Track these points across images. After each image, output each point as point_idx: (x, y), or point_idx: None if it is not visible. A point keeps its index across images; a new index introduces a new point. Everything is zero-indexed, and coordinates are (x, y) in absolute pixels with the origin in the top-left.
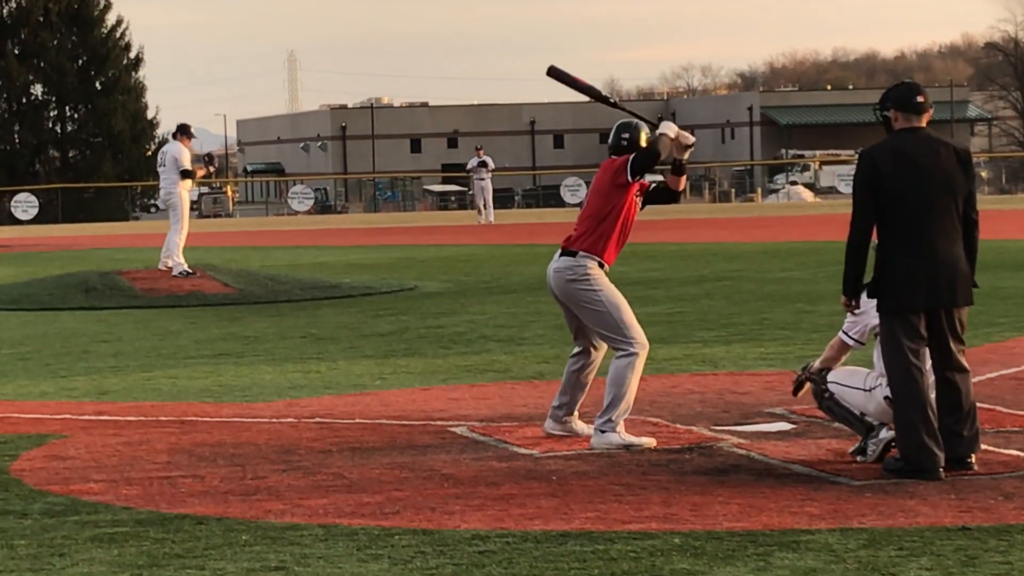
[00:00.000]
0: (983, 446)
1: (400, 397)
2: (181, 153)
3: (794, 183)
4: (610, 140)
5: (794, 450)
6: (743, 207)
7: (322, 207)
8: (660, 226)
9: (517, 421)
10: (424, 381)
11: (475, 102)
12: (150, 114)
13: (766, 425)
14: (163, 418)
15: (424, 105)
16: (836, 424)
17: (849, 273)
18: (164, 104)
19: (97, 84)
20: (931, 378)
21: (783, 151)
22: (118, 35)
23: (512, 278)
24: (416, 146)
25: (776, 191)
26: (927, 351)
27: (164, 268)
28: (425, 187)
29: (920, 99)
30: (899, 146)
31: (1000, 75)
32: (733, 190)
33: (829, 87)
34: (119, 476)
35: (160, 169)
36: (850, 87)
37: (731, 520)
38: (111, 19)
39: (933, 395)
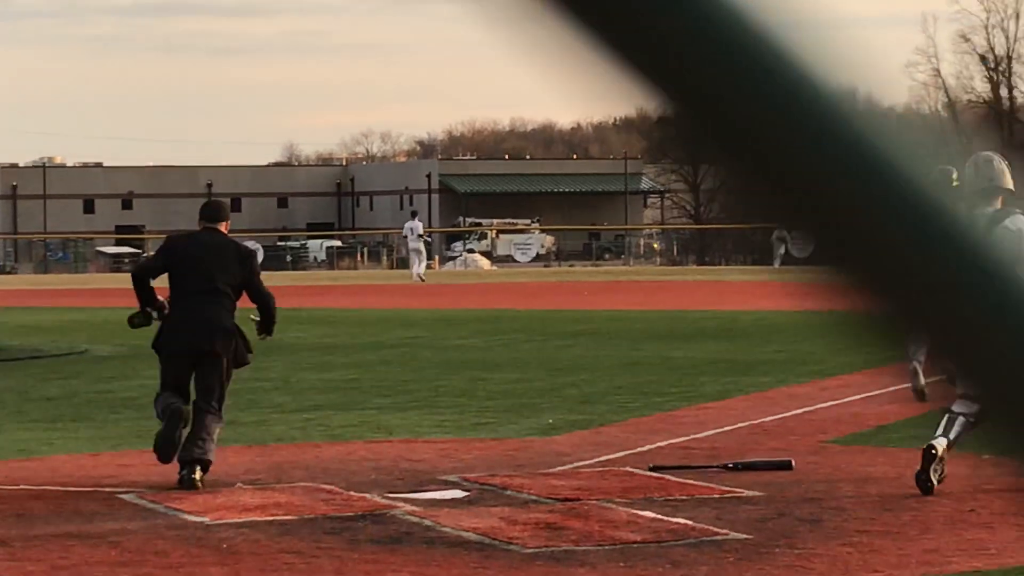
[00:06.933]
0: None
1: (68, 463)
2: None
3: (471, 251)
4: None
5: (466, 517)
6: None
7: None
8: (338, 292)
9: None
10: (93, 447)
11: (150, 163)
12: None
13: (439, 492)
14: None
15: (98, 165)
16: (508, 492)
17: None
18: None
19: None
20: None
21: (461, 219)
22: None
23: None
24: (89, 207)
25: (454, 258)
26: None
27: None
28: (98, 248)
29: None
30: (193, 235)
31: (672, 149)
32: None
33: (507, 156)
34: None
35: None
36: (527, 157)
37: None
38: None
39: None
